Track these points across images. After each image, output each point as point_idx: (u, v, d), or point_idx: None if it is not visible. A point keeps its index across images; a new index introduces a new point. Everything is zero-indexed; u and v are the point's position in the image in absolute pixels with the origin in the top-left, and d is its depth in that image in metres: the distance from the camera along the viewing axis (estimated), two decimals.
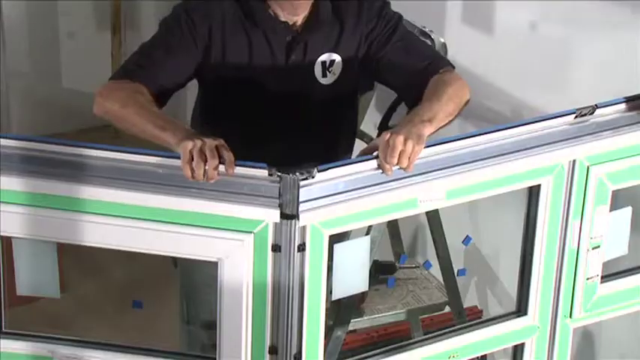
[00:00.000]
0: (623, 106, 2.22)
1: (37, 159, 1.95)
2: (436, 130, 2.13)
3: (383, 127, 2.80)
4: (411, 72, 2.36)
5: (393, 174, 2.00)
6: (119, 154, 1.94)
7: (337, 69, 2.41)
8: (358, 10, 2.39)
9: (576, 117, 2.15)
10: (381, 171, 2.00)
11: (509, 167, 2.11)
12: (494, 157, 2.09)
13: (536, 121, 2.13)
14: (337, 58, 2.40)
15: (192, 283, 2.60)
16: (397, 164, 1.99)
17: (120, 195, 1.93)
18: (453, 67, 2.36)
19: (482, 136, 2.08)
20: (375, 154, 2.02)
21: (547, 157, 2.14)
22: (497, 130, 2.09)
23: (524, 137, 2.12)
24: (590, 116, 2.17)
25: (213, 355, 2.05)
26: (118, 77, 2.30)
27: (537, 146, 2.13)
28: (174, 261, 2.58)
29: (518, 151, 2.11)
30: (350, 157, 2.47)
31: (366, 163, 1.99)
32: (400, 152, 1.98)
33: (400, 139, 1.99)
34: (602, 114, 2.18)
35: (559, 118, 2.15)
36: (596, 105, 2.17)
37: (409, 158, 1.99)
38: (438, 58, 2.41)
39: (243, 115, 2.42)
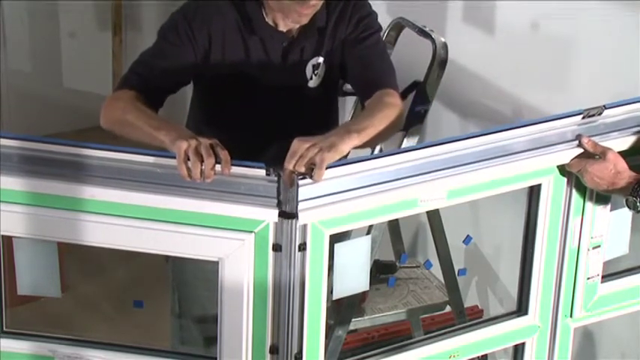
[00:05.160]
0: (630, 107, 2.21)
1: (37, 159, 1.95)
2: (364, 145, 2.10)
3: None
4: (361, 82, 2.40)
5: (395, 173, 2.00)
6: (118, 154, 1.94)
7: (321, 71, 2.43)
8: (342, 15, 2.40)
9: (584, 117, 2.14)
10: (379, 171, 1.99)
11: (511, 168, 2.10)
12: (496, 157, 2.08)
13: (543, 122, 2.11)
14: (321, 60, 2.42)
15: (184, 278, 2.60)
16: (296, 169, 1.91)
17: (119, 195, 1.93)
18: (399, 94, 2.35)
19: (483, 137, 2.07)
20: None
21: (550, 158, 2.13)
22: (502, 130, 2.08)
23: (528, 138, 2.10)
24: (599, 117, 2.16)
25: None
26: (120, 88, 2.32)
27: (541, 147, 2.12)
28: (166, 256, 2.58)
29: (522, 151, 2.10)
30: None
31: (364, 162, 1.98)
32: (301, 157, 1.91)
33: (304, 145, 1.93)
34: (609, 115, 2.17)
35: (566, 119, 2.14)
36: (604, 106, 2.15)
37: (315, 165, 1.90)
38: (388, 78, 2.38)
39: (239, 116, 2.43)
